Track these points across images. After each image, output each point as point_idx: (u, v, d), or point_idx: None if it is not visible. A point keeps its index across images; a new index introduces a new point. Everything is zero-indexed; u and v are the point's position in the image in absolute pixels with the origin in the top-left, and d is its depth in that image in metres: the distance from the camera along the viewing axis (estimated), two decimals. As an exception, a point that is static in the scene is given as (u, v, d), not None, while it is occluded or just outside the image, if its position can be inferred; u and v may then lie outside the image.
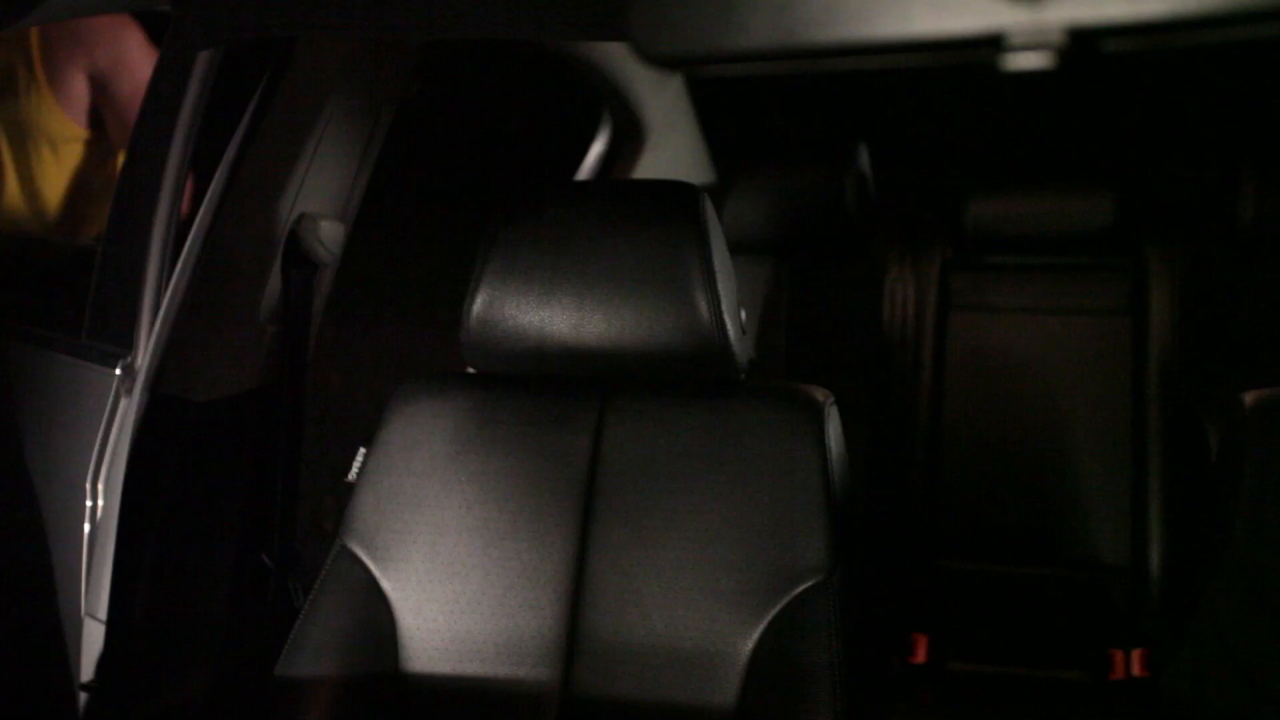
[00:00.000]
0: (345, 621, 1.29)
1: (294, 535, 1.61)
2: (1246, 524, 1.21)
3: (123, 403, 1.57)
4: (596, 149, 2.50)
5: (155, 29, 2.16)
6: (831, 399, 1.31)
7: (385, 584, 1.30)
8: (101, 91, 2.19)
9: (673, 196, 1.30)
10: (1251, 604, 1.19)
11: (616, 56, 2.10)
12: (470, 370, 1.38)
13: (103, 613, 1.52)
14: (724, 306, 1.25)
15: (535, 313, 1.28)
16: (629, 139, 2.41)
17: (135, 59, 2.14)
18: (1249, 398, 1.26)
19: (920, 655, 2.25)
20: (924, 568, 2.32)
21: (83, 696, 1.53)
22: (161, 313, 1.55)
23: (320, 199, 1.60)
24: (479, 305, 1.29)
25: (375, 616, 1.29)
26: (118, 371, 1.57)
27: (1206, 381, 2.19)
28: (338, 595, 1.31)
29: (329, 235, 1.61)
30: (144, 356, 1.56)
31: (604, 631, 1.24)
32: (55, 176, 2.24)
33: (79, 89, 2.19)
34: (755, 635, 1.20)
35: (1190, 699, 1.25)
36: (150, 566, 1.50)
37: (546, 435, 1.33)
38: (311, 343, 1.67)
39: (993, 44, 0.61)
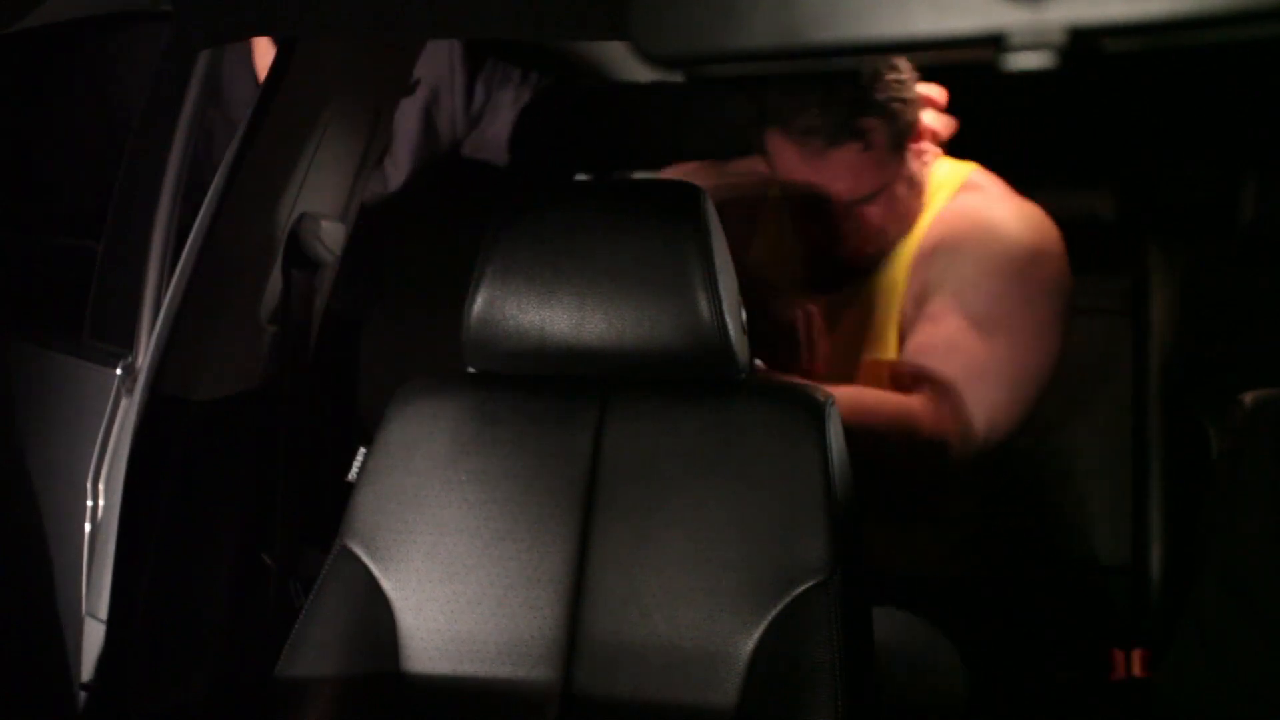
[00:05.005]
0: (345, 621, 1.29)
1: (294, 535, 1.61)
2: (1245, 524, 1.21)
3: (123, 403, 1.57)
4: (597, 149, 2.49)
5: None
6: (832, 399, 1.31)
7: (385, 584, 1.30)
8: None
9: (673, 196, 1.30)
10: (1246, 604, 1.19)
11: (616, 56, 2.10)
12: (471, 370, 1.38)
13: (103, 613, 1.52)
14: (725, 306, 1.25)
15: (536, 312, 1.28)
16: (629, 139, 2.41)
17: None
18: (1249, 398, 1.26)
19: (920, 655, 2.25)
20: None
21: (83, 696, 1.53)
22: (162, 313, 1.55)
23: (320, 199, 1.60)
24: (479, 305, 1.29)
25: (375, 616, 1.29)
26: (118, 371, 1.57)
27: (1207, 382, 2.18)
28: (338, 595, 1.30)
29: (329, 235, 1.61)
30: (145, 356, 1.56)
31: (604, 631, 1.24)
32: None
33: None
34: (756, 635, 1.20)
35: (1185, 699, 1.24)
36: (150, 566, 1.50)
37: (547, 435, 1.32)
38: (312, 342, 1.67)
39: (993, 44, 0.61)
